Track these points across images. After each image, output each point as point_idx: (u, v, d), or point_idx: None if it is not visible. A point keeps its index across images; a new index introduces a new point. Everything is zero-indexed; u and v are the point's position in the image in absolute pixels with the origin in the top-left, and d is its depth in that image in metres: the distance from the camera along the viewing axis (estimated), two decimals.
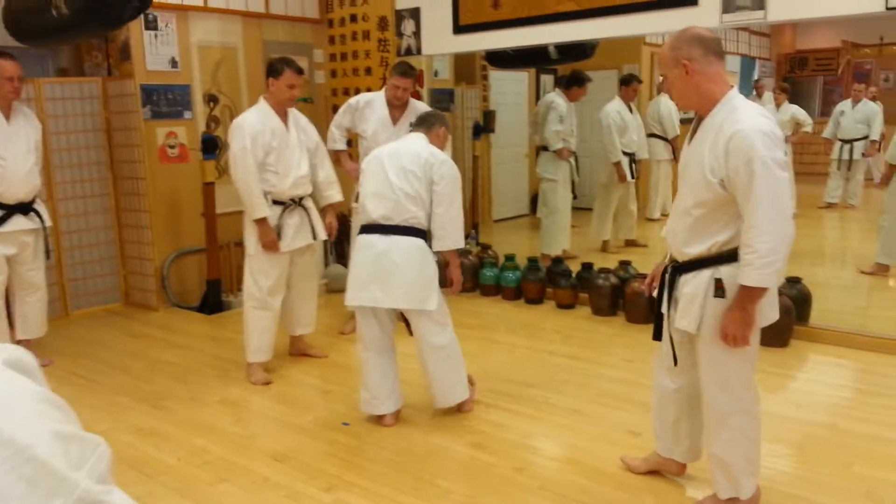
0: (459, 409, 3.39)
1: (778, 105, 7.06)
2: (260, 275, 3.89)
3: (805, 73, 7.83)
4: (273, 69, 3.82)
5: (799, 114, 7.07)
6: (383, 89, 4.64)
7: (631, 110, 6.37)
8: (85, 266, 5.42)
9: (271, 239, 3.81)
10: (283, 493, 2.75)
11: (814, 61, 7.78)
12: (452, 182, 3.20)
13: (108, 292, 5.56)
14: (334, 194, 4.16)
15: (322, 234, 4.12)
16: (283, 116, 3.88)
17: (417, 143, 3.27)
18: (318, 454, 3.05)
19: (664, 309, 2.48)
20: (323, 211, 4.17)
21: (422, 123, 3.42)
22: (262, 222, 3.78)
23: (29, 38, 4.56)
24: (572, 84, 6.10)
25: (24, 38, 4.54)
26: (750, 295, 2.17)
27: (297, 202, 3.94)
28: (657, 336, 2.55)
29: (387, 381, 3.28)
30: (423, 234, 3.19)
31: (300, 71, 3.88)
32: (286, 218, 3.88)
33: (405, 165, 3.15)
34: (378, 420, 3.32)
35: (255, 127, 3.73)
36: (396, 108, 4.57)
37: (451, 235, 3.22)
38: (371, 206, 3.18)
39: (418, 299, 3.15)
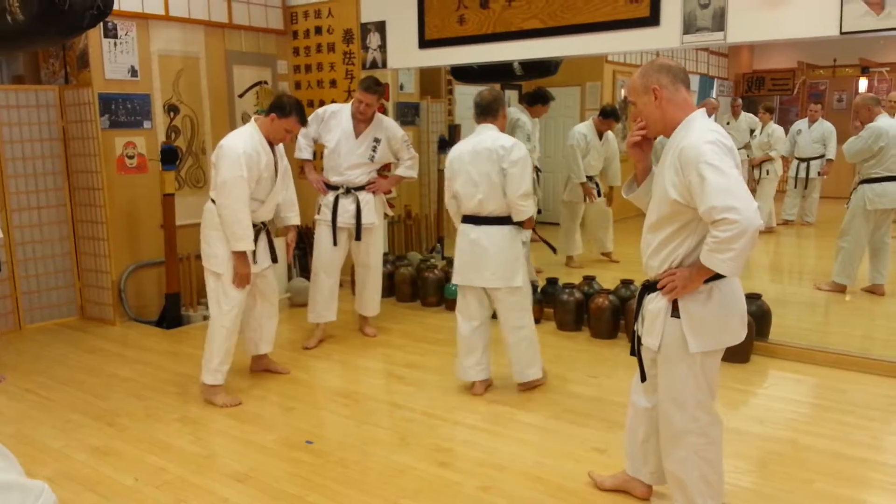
0: (529, 386, 3.81)
1: (763, 125, 7.23)
2: (228, 296, 3.73)
3: (762, 92, 8.03)
4: (281, 107, 3.67)
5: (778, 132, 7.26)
6: (351, 102, 4.65)
7: (601, 137, 6.43)
8: (39, 278, 5.26)
9: (246, 272, 3.70)
10: None
11: (770, 81, 7.99)
12: (519, 165, 3.55)
13: (63, 306, 5.40)
14: (293, 217, 4.08)
15: (280, 257, 4.10)
16: (271, 144, 3.80)
17: (488, 137, 3.61)
18: (280, 474, 2.99)
19: (636, 326, 2.51)
20: (281, 231, 4.13)
21: (487, 112, 3.66)
22: (243, 254, 3.68)
23: None
24: (536, 101, 6.13)
25: None
26: (702, 270, 2.23)
27: (263, 225, 3.89)
28: (633, 352, 2.57)
29: (485, 352, 3.80)
30: (509, 219, 3.64)
31: (304, 122, 3.84)
32: (258, 241, 3.81)
33: (483, 163, 3.55)
34: (470, 388, 3.79)
35: (251, 157, 3.62)
36: (361, 121, 4.59)
37: (525, 210, 3.61)
38: (463, 202, 3.66)
39: (505, 278, 3.64)
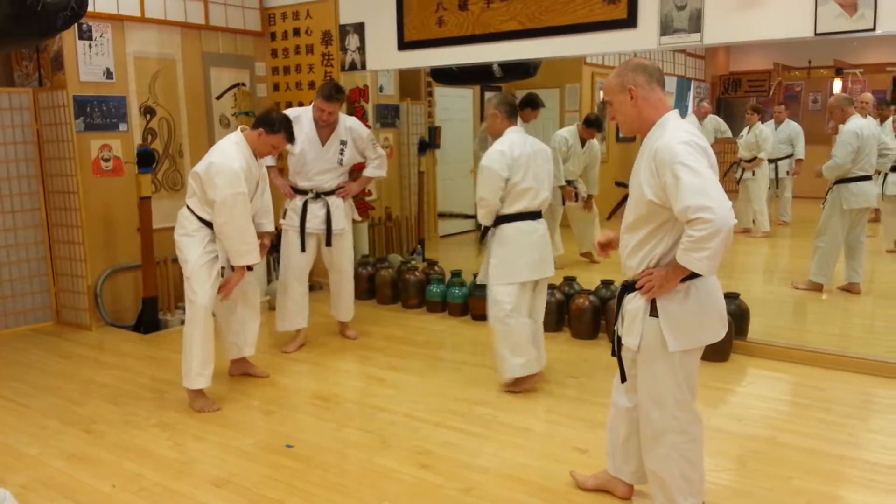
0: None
1: (750, 126, 7.28)
2: (206, 293, 3.67)
3: (738, 94, 8.09)
4: (271, 124, 3.67)
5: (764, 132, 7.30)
6: (311, 105, 4.55)
7: (583, 144, 6.46)
8: (13, 283, 5.17)
9: (238, 283, 3.79)
10: None
11: (746, 83, 8.05)
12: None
13: (38, 311, 5.32)
14: (267, 224, 4.00)
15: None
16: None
17: (532, 138, 3.80)
18: (260, 479, 2.96)
19: (616, 327, 2.52)
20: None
21: (515, 114, 3.80)
22: (243, 269, 3.74)
23: None
24: (526, 106, 6.14)
25: None
26: (678, 268, 2.24)
27: None
28: (614, 352, 2.58)
29: (537, 344, 3.86)
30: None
31: (292, 140, 3.84)
32: None
33: (544, 162, 3.76)
34: (525, 382, 3.82)
35: (245, 171, 3.62)
36: (323, 127, 4.50)
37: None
38: (524, 199, 3.72)
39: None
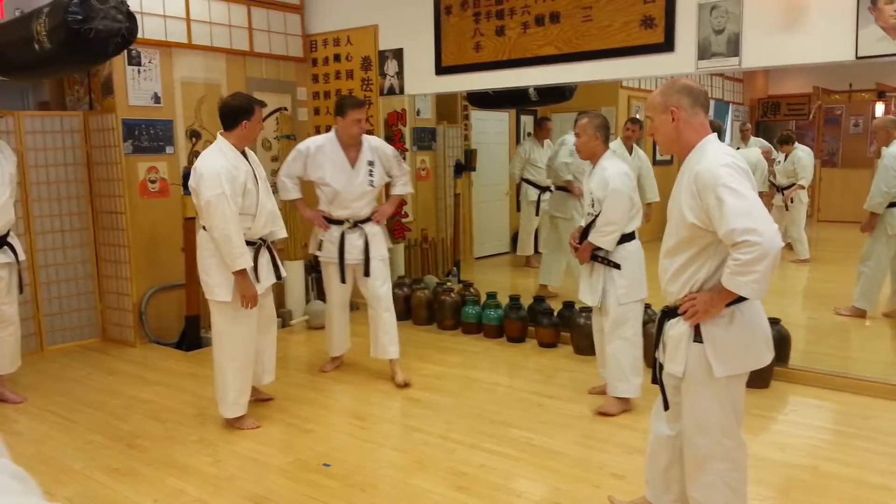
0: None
1: (787, 154, 7.24)
2: (238, 324, 3.66)
3: (777, 117, 8.01)
4: (244, 110, 3.60)
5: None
6: (332, 131, 4.39)
7: (630, 152, 6.44)
8: (62, 301, 5.33)
9: (253, 293, 3.60)
10: None
11: (786, 106, 7.97)
12: None
13: (84, 328, 5.46)
14: (280, 231, 3.93)
15: (284, 272, 4.01)
16: (244, 154, 3.69)
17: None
18: (298, 497, 2.99)
19: (657, 353, 2.50)
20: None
21: (608, 137, 3.89)
22: (243, 273, 3.56)
23: (11, 72, 4.54)
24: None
25: (6, 71, 4.52)
26: (724, 293, 2.23)
27: (264, 241, 3.81)
28: (655, 380, 2.55)
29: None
30: None
31: (264, 104, 3.77)
32: (259, 258, 3.73)
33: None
34: (630, 403, 3.87)
35: (229, 171, 3.50)
36: (351, 147, 4.32)
37: None
38: (639, 217, 3.83)
39: None
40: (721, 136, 6.01)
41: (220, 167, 3.49)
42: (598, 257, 3.80)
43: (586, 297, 3.92)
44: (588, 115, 3.88)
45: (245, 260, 3.56)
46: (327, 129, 6.16)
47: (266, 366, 4.04)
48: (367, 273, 4.36)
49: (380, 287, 4.41)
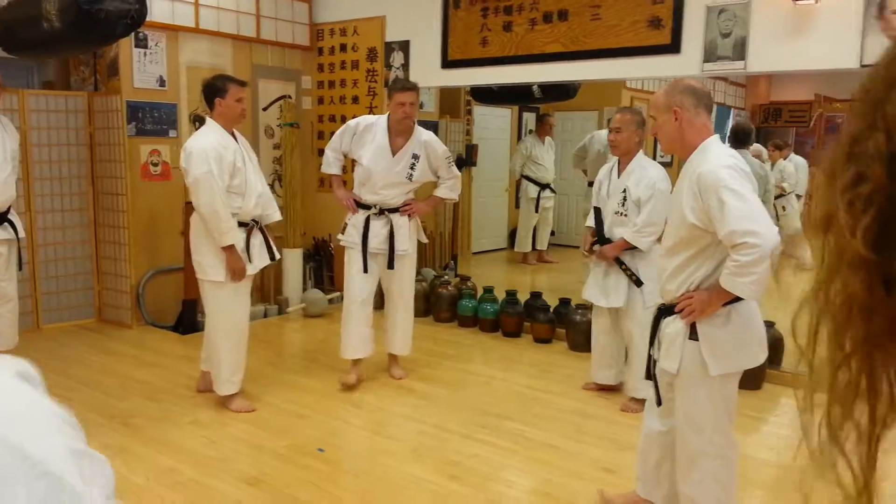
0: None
1: (773, 163, 7.28)
2: (231, 303, 3.71)
3: (778, 123, 8.05)
4: (216, 89, 3.68)
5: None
6: (387, 114, 4.14)
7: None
8: (59, 280, 5.34)
9: (241, 266, 3.66)
10: None
11: (787, 113, 8.01)
12: None
13: (81, 307, 5.48)
14: (274, 214, 3.92)
15: (278, 254, 4.02)
16: (233, 136, 3.74)
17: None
18: (292, 480, 3.02)
19: (652, 350, 2.53)
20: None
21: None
22: (232, 248, 3.62)
23: (19, 50, 4.55)
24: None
25: (14, 49, 4.53)
26: (721, 293, 2.26)
27: (257, 222, 3.83)
28: (648, 375, 2.59)
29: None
30: None
31: (243, 83, 3.77)
32: (252, 239, 3.77)
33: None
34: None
35: (217, 150, 3.57)
36: (400, 134, 4.06)
37: None
38: None
39: None
40: (747, 140, 5.97)
41: (207, 146, 3.56)
42: (622, 265, 3.80)
43: (598, 298, 3.93)
44: (630, 111, 3.89)
45: (233, 236, 3.62)
46: (330, 119, 6.21)
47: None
48: (390, 265, 4.15)
49: (401, 283, 4.24)
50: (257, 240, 3.82)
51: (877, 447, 0.38)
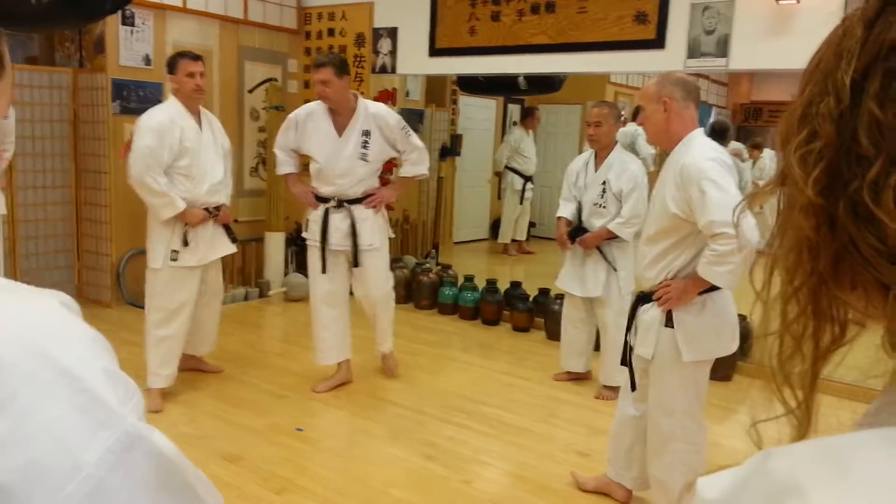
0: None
1: (755, 161, 7.39)
2: (167, 292, 3.58)
3: (759, 123, 8.17)
4: (168, 65, 3.65)
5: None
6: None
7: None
8: (39, 257, 5.32)
9: (202, 215, 3.58)
10: (235, 494, 2.75)
11: (767, 112, 8.13)
12: None
13: (61, 285, 5.45)
14: (221, 197, 3.75)
15: (236, 238, 3.94)
16: (196, 116, 3.62)
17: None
18: (271, 457, 3.06)
19: (629, 336, 2.60)
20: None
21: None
22: (181, 214, 3.50)
23: (4, 23, 4.51)
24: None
25: (1, 22, 4.49)
26: (698, 281, 2.34)
27: (213, 212, 3.67)
28: (624, 361, 2.66)
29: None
30: None
31: (197, 57, 3.63)
32: (199, 229, 3.62)
33: None
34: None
35: (162, 124, 3.46)
36: (338, 114, 3.70)
37: None
38: None
39: None
40: (725, 136, 5.99)
41: (154, 122, 3.51)
42: (601, 253, 3.88)
43: (574, 287, 4.00)
44: (608, 105, 3.96)
45: (172, 208, 3.49)
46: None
47: (206, 338, 3.97)
48: (355, 263, 3.80)
49: (371, 281, 3.87)
50: (207, 231, 3.68)
51: (818, 371, 0.45)
